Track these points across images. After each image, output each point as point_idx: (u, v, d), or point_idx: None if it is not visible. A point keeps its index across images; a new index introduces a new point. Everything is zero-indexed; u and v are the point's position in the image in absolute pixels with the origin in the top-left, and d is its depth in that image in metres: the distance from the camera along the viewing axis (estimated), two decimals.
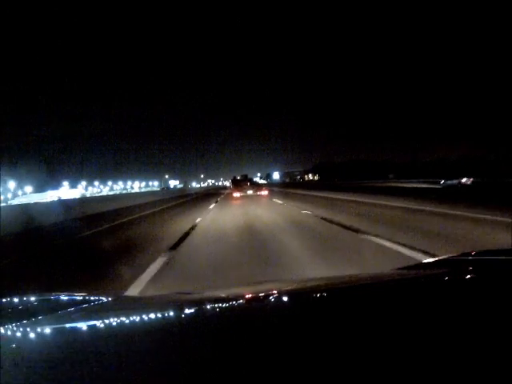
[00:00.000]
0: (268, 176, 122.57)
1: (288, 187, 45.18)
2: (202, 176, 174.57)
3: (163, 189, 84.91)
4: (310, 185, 43.82)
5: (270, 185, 51.52)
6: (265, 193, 23.64)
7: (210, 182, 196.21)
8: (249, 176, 36.07)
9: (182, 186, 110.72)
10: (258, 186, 27.57)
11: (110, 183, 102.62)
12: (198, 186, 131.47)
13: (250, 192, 24.20)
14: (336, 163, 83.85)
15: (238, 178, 34.14)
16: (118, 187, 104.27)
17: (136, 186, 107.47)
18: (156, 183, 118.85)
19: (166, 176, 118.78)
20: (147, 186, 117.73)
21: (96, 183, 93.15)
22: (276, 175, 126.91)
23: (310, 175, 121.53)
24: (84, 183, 77.71)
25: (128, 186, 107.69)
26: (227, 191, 37.38)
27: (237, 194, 23.51)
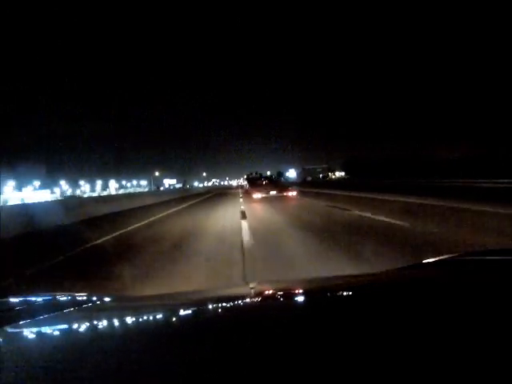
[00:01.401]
0: (280, 174, 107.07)
1: (321, 187, 32.14)
2: (205, 174, 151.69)
3: (158, 189, 71.25)
4: (352, 185, 29.91)
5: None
6: (293, 193, 19.31)
7: (216, 181, 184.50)
8: (256, 175, 31.61)
9: (180, 185, 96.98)
10: (282, 186, 22.46)
11: (62, 182, 78.93)
12: (202, 185, 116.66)
13: (273, 193, 19.50)
14: (376, 159, 67.35)
15: (253, 175, 29.87)
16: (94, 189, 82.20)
17: (112, 187, 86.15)
18: (144, 182, 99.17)
19: (157, 173, 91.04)
20: (130, 185, 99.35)
21: (36, 184, 68.70)
22: (292, 173, 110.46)
23: (339, 173, 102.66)
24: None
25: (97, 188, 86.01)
26: (239, 191, 32.09)
27: (257, 196, 18.80)
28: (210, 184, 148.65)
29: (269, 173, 39.59)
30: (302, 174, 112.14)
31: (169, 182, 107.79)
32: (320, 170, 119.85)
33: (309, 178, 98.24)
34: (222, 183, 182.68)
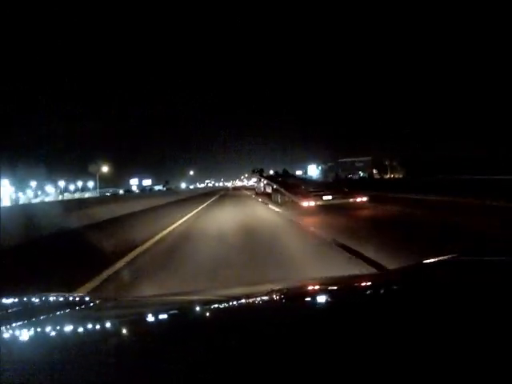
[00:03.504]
0: (286, 173, 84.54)
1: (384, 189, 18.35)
2: (192, 173, 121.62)
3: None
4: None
5: None
6: (362, 199, 11.88)
7: (209, 182, 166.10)
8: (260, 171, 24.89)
9: (160, 187, 77.41)
10: (338, 188, 14.03)
11: None
12: (192, 187, 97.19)
13: (328, 198, 12.09)
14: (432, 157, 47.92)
15: (284, 172, 21.24)
16: None
17: (6, 193, 52.07)
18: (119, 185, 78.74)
19: (105, 169, 64.11)
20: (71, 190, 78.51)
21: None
22: (312, 169, 79.95)
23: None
24: None
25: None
26: (245, 192, 30.36)
27: (310, 203, 11.67)
28: (202, 185, 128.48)
29: (271, 172, 25.96)
30: (337, 169, 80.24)
31: (136, 183, 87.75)
32: (361, 164, 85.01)
33: (355, 176, 68.37)
34: (216, 184, 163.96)
